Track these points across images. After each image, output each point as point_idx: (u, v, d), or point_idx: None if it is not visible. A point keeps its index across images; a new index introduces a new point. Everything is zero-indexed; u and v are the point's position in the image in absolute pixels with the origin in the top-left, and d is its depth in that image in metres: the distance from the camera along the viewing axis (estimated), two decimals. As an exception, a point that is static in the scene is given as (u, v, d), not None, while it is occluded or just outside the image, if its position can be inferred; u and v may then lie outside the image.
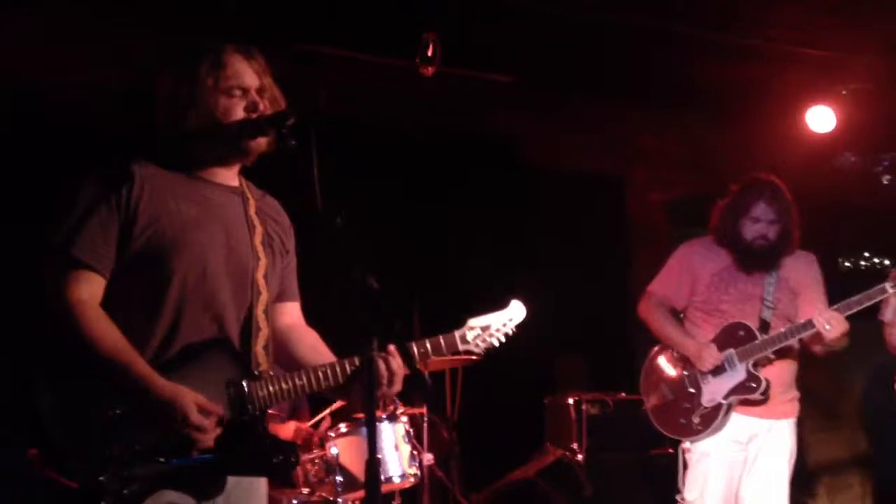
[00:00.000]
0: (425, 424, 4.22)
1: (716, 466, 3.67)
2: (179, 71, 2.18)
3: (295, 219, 2.38)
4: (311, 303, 2.43)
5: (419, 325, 4.56)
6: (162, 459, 2.02)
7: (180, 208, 2.15)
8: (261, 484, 2.25)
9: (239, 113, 2.16)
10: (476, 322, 2.29)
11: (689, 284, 3.81)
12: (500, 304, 2.35)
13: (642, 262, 5.99)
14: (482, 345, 2.28)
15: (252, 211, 2.27)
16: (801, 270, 3.74)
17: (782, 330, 3.60)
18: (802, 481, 5.57)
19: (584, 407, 4.86)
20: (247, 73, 2.19)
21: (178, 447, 2.03)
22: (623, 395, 5.02)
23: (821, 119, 5.44)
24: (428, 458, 4.13)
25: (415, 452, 4.05)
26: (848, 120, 5.38)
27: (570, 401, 4.90)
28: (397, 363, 2.15)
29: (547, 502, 4.69)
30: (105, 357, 2.01)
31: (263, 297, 2.22)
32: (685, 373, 3.76)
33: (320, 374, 2.17)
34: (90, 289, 2.07)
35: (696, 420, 3.69)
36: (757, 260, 3.71)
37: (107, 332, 2.04)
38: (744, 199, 3.73)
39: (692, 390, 3.73)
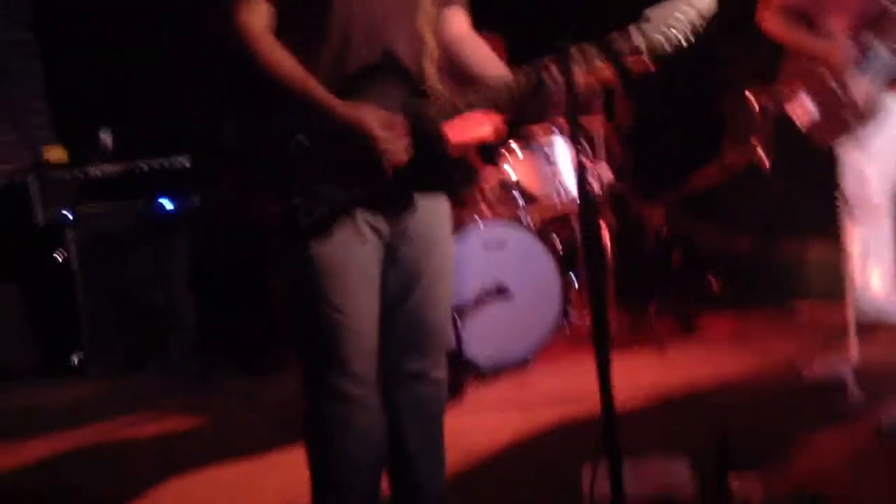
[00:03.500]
0: (601, 137, 4.07)
1: (875, 156, 3.46)
2: None
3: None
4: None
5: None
6: (350, 181, 2.02)
7: None
8: (444, 204, 2.23)
9: None
10: (653, 13, 1.97)
11: None
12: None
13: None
14: (664, 38, 1.98)
15: None
16: None
17: None
18: None
19: (764, 101, 4.54)
20: None
21: (366, 169, 2.01)
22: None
23: None
24: (606, 171, 4.04)
25: (598, 167, 3.96)
26: None
27: (752, 95, 4.59)
28: (578, 71, 1.94)
29: (733, 207, 4.55)
30: (282, 84, 1.99)
31: (425, 9, 2.09)
32: (831, 79, 3.43)
33: (493, 89, 2.05)
34: (259, 17, 2.02)
35: (855, 117, 3.41)
36: None
37: (281, 59, 2.00)
38: None
39: (840, 91, 3.42)
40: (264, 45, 1.99)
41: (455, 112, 2.06)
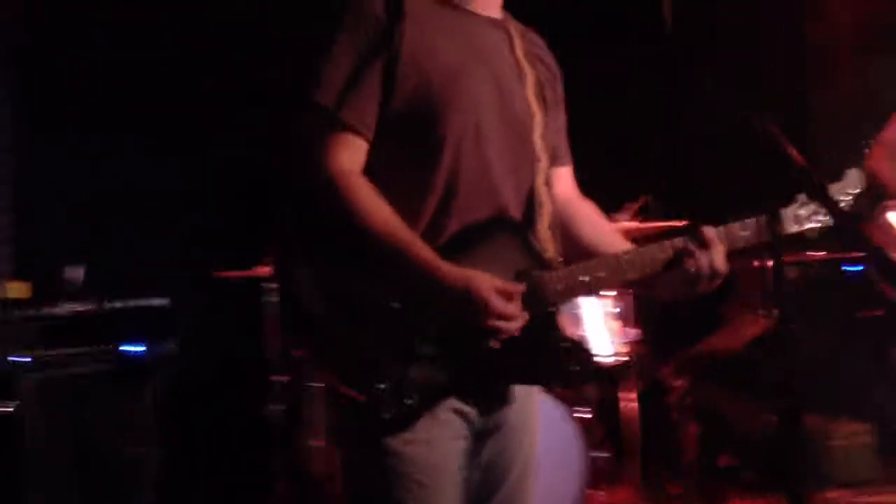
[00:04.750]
0: (632, 298, 3.80)
1: None
2: None
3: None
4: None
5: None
6: (448, 362, 1.66)
7: (447, 50, 1.71)
8: (537, 397, 1.89)
9: None
10: (805, 197, 1.82)
11: None
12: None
13: (821, 90, 5.37)
14: (818, 222, 1.82)
15: (519, 52, 1.81)
16: None
17: None
18: None
19: (783, 270, 4.39)
20: None
21: (470, 346, 1.65)
22: (824, 253, 4.54)
23: None
24: (634, 333, 3.75)
25: (625, 329, 3.68)
26: None
27: (767, 264, 4.43)
28: (720, 254, 1.74)
29: (754, 372, 4.29)
30: (378, 237, 1.63)
31: (543, 165, 1.79)
32: None
33: (625, 264, 1.75)
34: (355, 156, 1.68)
35: None
36: None
37: (378, 209, 1.64)
38: None
39: None
40: (359, 191, 1.65)
41: (581, 289, 1.74)
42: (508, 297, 1.63)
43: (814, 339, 4.44)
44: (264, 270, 3.70)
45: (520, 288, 1.66)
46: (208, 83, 4.28)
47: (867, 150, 3.44)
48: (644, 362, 3.98)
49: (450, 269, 1.62)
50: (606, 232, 1.90)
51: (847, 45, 5.41)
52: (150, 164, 4.30)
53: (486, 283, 1.62)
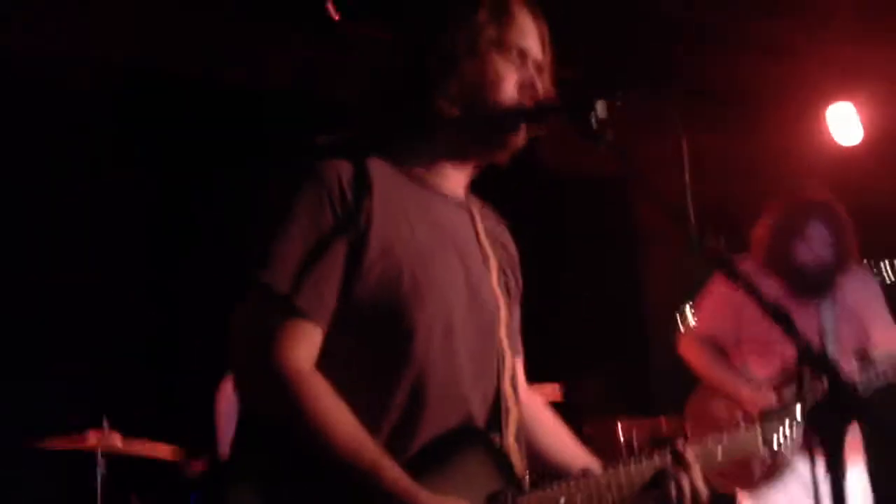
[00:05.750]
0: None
1: None
2: (443, 14, 1.56)
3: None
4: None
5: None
6: None
7: (414, 231, 1.49)
8: None
9: (510, 85, 1.54)
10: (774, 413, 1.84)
11: (735, 320, 3.28)
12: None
13: (653, 270, 5.62)
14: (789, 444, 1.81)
15: (483, 236, 1.62)
16: (859, 289, 3.30)
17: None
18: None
19: (634, 433, 4.39)
20: (531, 35, 1.58)
21: None
22: (664, 418, 4.60)
23: (843, 123, 5.11)
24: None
25: None
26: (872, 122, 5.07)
27: (619, 428, 4.41)
28: (699, 475, 1.60)
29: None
30: (342, 456, 1.36)
31: (508, 364, 1.58)
32: (742, 417, 3.34)
33: (604, 487, 1.54)
34: (308, 350, 1.40)
35: (757, 469, 3.25)
36: (811, 286, 3.24)
37: (341, 420, 1.37)
38: (796, 218, 3.26)
39: None
40: (317, 398, 1.37)
41: None
42: None
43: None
44: (92, 440, 3.17)
45: None
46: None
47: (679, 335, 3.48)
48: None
49: (428, 500, 1.37)
50: (568, 444, 1.71)
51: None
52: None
53: None
